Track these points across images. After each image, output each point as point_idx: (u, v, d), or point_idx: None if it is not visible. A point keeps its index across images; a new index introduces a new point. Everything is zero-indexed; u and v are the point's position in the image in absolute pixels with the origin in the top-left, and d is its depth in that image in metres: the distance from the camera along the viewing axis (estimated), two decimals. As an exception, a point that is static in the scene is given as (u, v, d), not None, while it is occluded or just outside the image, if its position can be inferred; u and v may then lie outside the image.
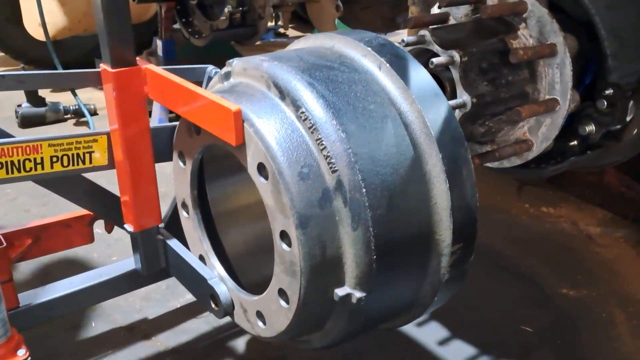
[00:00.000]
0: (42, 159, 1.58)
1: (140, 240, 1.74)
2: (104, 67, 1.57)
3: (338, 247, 1.26)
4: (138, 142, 1.63)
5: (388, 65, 1.38)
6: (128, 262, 2.11)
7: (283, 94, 1.31)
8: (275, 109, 1.30)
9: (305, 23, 5.04)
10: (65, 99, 4.70)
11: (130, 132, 1.60)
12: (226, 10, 3.82)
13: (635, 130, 2.07)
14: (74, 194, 1.82)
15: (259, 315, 1.44)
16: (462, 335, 2.32)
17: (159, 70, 1.54)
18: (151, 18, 5.06)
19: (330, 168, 1.24)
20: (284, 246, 1.27)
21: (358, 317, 1.34)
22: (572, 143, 1.98)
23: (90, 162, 1.66)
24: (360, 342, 2.05)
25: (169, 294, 2.47)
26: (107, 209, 1.88)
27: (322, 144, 1.25)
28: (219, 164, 1.65)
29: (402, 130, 1.32)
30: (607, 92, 1.88)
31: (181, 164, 1.61)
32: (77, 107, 4.50)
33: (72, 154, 1.62)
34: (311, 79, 1.32)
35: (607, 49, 1.84)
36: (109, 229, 2.06)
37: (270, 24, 4.74)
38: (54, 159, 1.60)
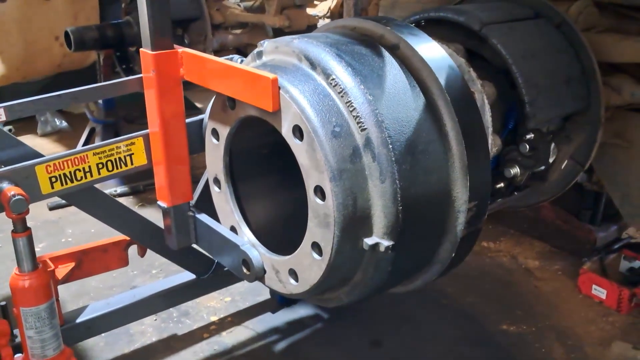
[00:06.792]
0: (89, 167, 1.75)
1: (172, 215, 1.85)
2: (144, 51, 1.71)
3: (367, 199, 1.39)
4: (174, 121, 1.76)
5: (406, 41, 1.54)
6: (159, 283, 2.28)
7: (314, 64, 1.46)
8: (307, 77, 1.45)
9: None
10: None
11: (167, 112, 1.74)
12: (166, 56, 3.70)
13: (560, 170, 2.13)
14: (114, 220, 2.00)
15: (292, 272, 1.56)
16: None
17: (195, 52, 1.68)
18: (91, 64, 4.69)
19: (360, 127, 1.38)
20: (318, 200, 1.40)
21: (385, 267, 1.46)
22: (499, 185, 2.02)
23: (132, 164, 1.84)
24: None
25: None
26: (142, 233, 2.04)
27: (352, 106, 1.39)
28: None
29: (422, 96, 1.47)
30: (528, 136, 1.94)
31: (214, 140, 1.74)
32: None
33: (115, 159, 1.80)
34: (339, 51, 1.47)
35: (525, 96, 1.89)
36: (141, 253, 2.18)
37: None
38: (100, 166, 1.77)
